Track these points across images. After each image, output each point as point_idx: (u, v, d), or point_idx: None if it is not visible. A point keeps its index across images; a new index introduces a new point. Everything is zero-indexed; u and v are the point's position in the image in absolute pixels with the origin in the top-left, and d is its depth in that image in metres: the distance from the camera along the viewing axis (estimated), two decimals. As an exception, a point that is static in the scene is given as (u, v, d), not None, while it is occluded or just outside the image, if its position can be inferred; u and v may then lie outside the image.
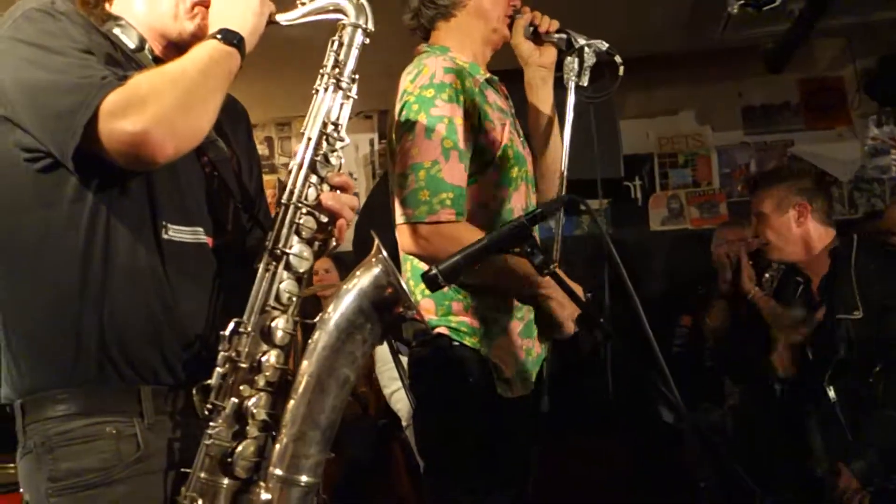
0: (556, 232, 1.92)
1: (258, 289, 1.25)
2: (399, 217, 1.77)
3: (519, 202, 1.89)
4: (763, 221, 2.78)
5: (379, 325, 1.24)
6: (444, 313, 1.82)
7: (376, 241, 1.27)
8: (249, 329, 1.23)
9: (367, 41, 1.40)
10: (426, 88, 1.76)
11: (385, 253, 1.26)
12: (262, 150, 5.43)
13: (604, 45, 1.97)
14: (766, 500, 1.19)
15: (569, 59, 1.94)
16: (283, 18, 1.40)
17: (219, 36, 1.28)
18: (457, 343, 1.81)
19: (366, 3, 1.39)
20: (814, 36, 3.95)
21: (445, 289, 1.72)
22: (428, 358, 1.85)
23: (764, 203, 2.78)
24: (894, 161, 4.60)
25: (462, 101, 1.78)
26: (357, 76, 1.39)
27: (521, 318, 1.87)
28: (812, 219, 2.68)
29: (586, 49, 1.94)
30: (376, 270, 1.25)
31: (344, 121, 1.38)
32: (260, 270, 1.27)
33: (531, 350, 1.90)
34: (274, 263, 1.27)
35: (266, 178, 5.31)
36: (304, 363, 1.23)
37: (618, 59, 1.96)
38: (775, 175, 2.90)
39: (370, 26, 1.38)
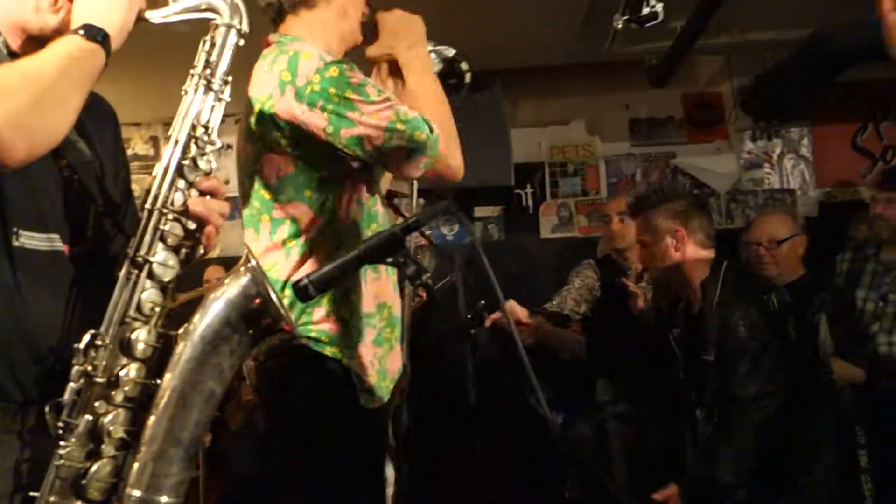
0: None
1: (118, 298, 1.19)
2: (417, 171, 1.69)
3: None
4: (645, 249, 2.73)
5: (248, 337, 1.21)
6: (305, 322, 1.74)
7: (246, 250, 1.24)
8: (107, 341, 1.17)
9: (242, 42, 1.36)
10: (325, 70, 1.65)
11: (255, 262, 1.22)
12: (146, 149, 5.23)
13: (450, 52, 1.96)
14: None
15: None
16: (153, 15, 1.35)
17: (81, 31, 1.21)
18: (314, 354, 1.74)
19: (240, 4, 1.35)
20: (695, 53, 4.12)
21: None
22: (285, 370, 1.77)
23: (642, 232, 2.72)
24: (767, 174, 4.87)
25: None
26: (230, 78, 1.35)
27: (374, 326, 1.82)
28: (691, 242, 2.60)
29: (433, 56, 1.92)
30: (245, 279, 1.21)
31: (215, 124, 1.34)
32: (120, 279, 1.20)
33: (384, 358, 1.84)
34: (136, 272, 1.21)
35: (149, 178, 5.12)
36: (167, 376, 1.18)
37: (464, 65, 1.95)
38: (647, 201, 2.77)
39: (244, 27, 1.34)
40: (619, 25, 3.17)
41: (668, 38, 3.83)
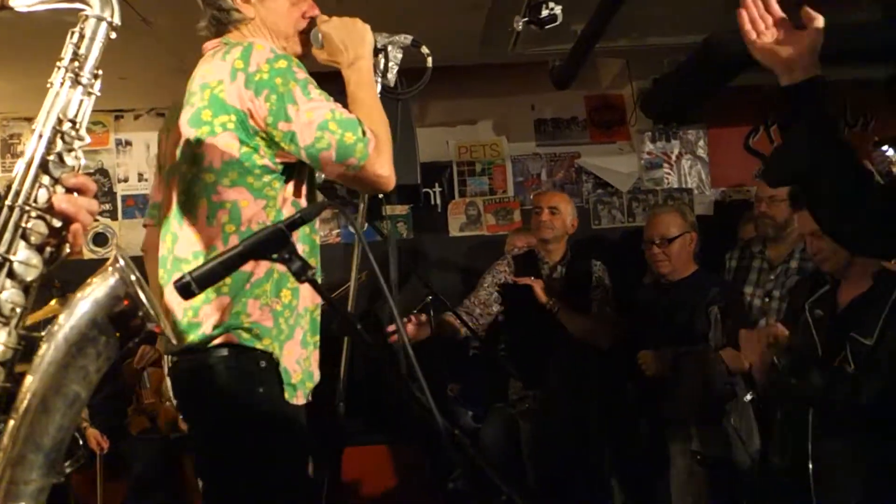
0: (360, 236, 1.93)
1: None
2: (347, 172, 1.71)
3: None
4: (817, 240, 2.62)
5: (115, 339, 1.16)
6: (238, 312, 1.73)
7: (114, 251, 1.19)
8: None
9: (114, 35, 1.31)
10: (275, 62, 1.70)
11: (123, 262, 1.18)
12: None
13: (408, 39, 1.96)
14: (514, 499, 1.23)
15: (375, 59, 1.91)
16: (17, 3, 1.28)
17: None
18: (243, 351, 1.74)
19: None
20: (596, 56, 4.22)
21: (247, 286, 1.73)
22: (205, 370, 1.75)
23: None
24: (667, 174, 5.03)
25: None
26: (100, 72, 1.30)
27: (303, 327, 1.84)
28: None
29: (389, 47, 1.94)
30: (112, 280, 1.16)
31: (84, 118, 1.28)
32: None
33: (308, 360, 1.86)
34: None
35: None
36: (28, 379, 1.12)
37: (424, 49, 1.96)
38: None
39: (116, 20, 1.29)
40: (520, 27, 3.21)
41: (570, 40, 3.91)
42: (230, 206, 1.74)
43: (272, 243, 1.36)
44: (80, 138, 1.26)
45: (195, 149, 1.75)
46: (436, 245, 4.90)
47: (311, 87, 1.71)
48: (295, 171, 1.80)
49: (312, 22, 1.91)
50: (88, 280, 1.18)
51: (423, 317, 3.25)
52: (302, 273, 1.34)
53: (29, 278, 1.17)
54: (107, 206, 4.86)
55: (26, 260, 1.17)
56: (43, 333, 1.15)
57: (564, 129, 5.01)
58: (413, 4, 3.56)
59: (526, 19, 3.18)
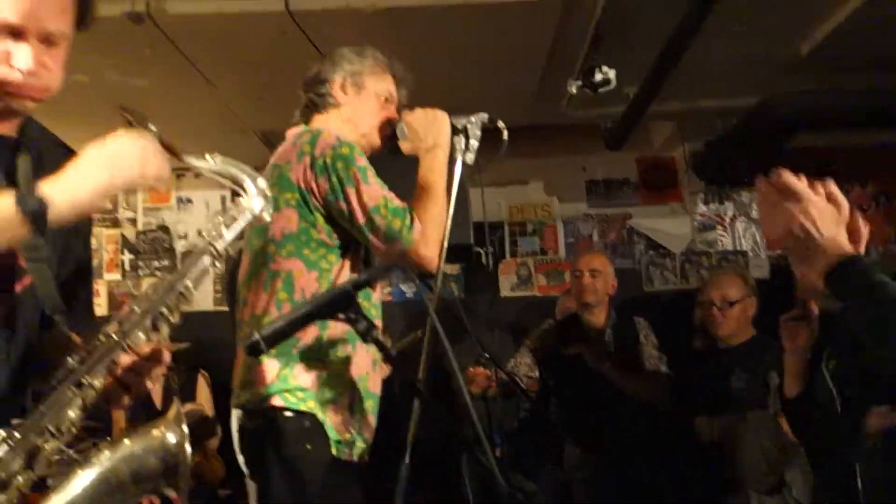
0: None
1: (48, 408, 1.16)
2: (391, 255, 1.88)
3: None
4: None
5: (146, 486, 1.18)
6: (285, 375, 1.84)
7: (176, 405, 1.22)
8: (15, 443, 1.13)
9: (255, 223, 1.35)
10: (339, 148, 1.88)
11: (181, 410, 1.22)
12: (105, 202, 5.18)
13: (485, 116, 2.08)
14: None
15: (455, 138, 2.04)
16: (190, 162, 1.32)
17: (16, 199, 1.11)
18: (290, 413, 1.83)
19: (269, 194, 1.34)
20: (648, 118, 4.25)
21: (294, 351, 1.83)
22: (260, 430, 1.86)
23: None
24: (721, 236, 4.98)
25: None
26: (228, 251, 1.33)
27: (352, 392, 1.92)
28: None
29: (468, 126, 2.06)
30: (170, 437, 1.20)
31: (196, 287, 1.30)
32: (58, 391, 1.17)
33: (360, 424, 1.94)
34: (75, 391, 1.18)
35: (108, 231, 5.08)
36: (51, 499, 1.14)
37: (500, 124, 2.08)
38: None
39: (266, 216, 1.34)
40: (574, 90, 3.27)
41: (622, 103, 3.95)
42: (284, 276, 1.89)
43: (338, 303, 1.40)
44: (187, 303, 1.29)
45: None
46: (486, 305, 4.90)
47: (370, 173, 1.88)
48: (351, 246, 1.94)
49: (392, 122, 2.09)
50: (147, 427, 1.20)
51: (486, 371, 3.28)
52: (367, 333, 1.37)
53: (89, 402, 1.20)
54: (166, 263, 4.99)
55: (97, 386, 1.20)
56: (84, 458, 1.17)
57: (616, 191, 5.01)
58: (467, 66, 3.65)
59: (580, 83, 3.24)
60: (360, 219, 1.85)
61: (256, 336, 1.37)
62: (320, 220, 1.89)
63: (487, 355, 3.33)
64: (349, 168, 1.86)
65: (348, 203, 1.85)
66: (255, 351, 1.37)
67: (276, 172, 1.92)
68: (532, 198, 5.06)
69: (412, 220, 1.84)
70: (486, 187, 4.78)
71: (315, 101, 2.08)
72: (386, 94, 2.11)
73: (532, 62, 3.67)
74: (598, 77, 3.14)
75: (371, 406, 1.98)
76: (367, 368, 1.97)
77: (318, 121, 2.07)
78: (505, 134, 2.09)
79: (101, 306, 4.86)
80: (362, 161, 1.89)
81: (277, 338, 1.37)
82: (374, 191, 1.85)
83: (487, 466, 1.26)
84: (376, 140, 2.10)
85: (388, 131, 2.09)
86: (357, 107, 2.08)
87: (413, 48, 3.31)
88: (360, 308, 1.39)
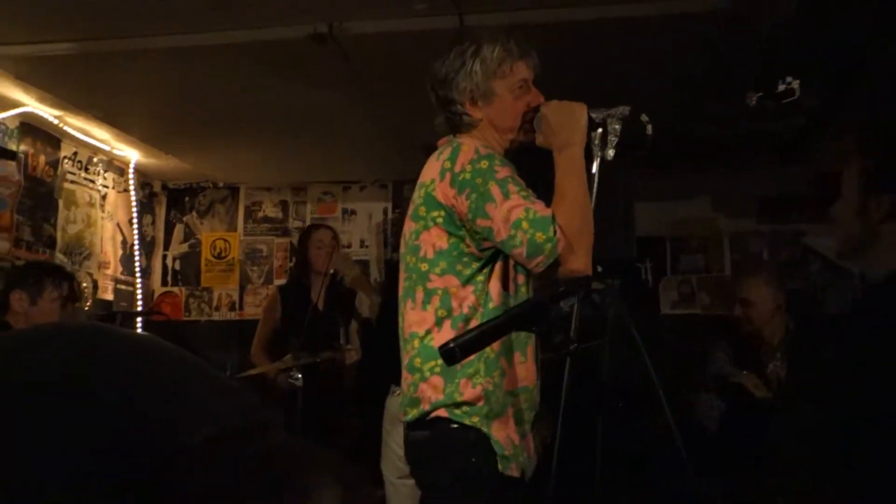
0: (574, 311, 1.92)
1: None
2: (538, 269, 1.79)
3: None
4: None
5: None
6: (451, 391, 1.85)
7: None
8: None
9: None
10: (477, 162, 1.84)
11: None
12: (276, 212, 5.48)
13: (626, 110, 1.95)
14: None
15: (593, 133, 1.94)
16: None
17: None
18: (456, 425, 1.84)
19: None
20: (827, 131, 4.00)
21: (458, 367, 1.79)
22: (427, 441, 1.88)
23: None
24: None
25: (509, 164, 1.89)
26: None
27: (516, 405, 1.91)
28: None
29: (608, 120, 1.95)
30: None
31: None
32: None
33: (523, 437, 1.92)
34: None
35: (278, 240, 5.36)
36: None
37: (644, 117, 1.95)
38: None
39: None
40: (754, 102, 3.12)
41: (800, 115, 3.75)
42: (441, 293, 1.89)
43: (532, 316, 1.39)
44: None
45: (414, 241, 1.94)
46: (644, 322, 4.76)
47: (511, 185, 1.81)
48: (501, 255, 1.89)
49: (537, 109, 1.98)
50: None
51: None
52: (563, 346, 1.36)
53: None
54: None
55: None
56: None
57: (788, 207, 4.75)
58: (637, 78, 3.57)
59: (760, 94, 3.09)
60: (503, 234, 1.78)
61: (452, 344, 1.38)
62: (467, 234, 1.87)
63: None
64: (488, 183, 1.80)
65: (490, 219, 1.79)
66: (449, 359, 1.39)
67: (423, 191, 1.92)
68: (696, 213, 4.89)
69: (555, 231, 1.75)
70: (647, 202, 4.73)
71: (454, 121, 2.02)
72: (518, 83, 1.99)
73: (703, 74, 3.55)
74: (781, 87, 2.97)
75: (533, 418, 1.96)
76: (534, 381, 1.94)
77: (466, 137, 2.01)
78: (649, 128, 1.94)
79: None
80: (503, 172, 1.83)
81: (472, 347, 1.39)
82: (515, 204, 1.78)
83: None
84: (524, 135, 2.01)
85: (532, 114, 1.98)
86: (493, 114, 1.99)
87: (582, 61, 3.29)
88: (554, 321, 1.38)
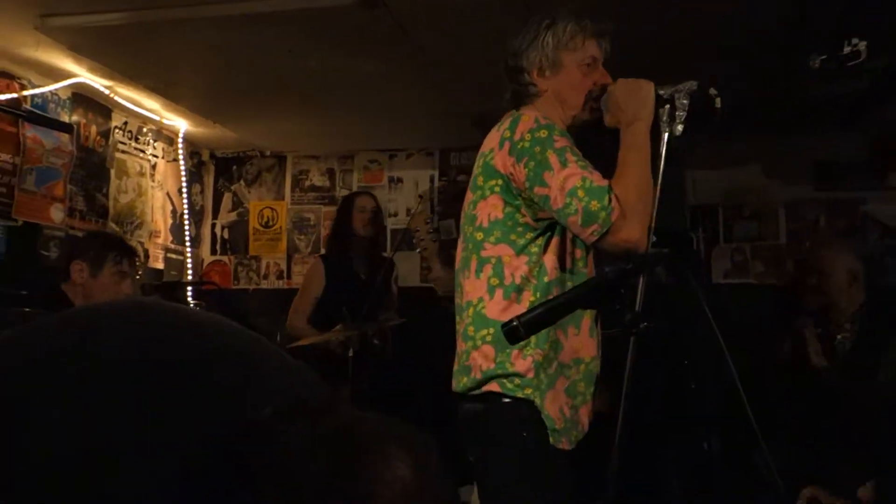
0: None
1: None
2: (592, 237, 1.80)
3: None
4: None
5: None
6: (502, 361, 1.86)
7: None
8: None
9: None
10: (537, 131, 1.85)
11: None
12: (323, 181, 5.48)
13: (693, 85, 1.92)
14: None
15: (660, 109, 1.90)
16: None
17: None
18: (508, 400, 1.85)
19: None
20: (891, 95, 3.85)
21: None
22: (480, 415, 1.90)
23: None
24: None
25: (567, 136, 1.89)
26: None
27: (569, 377, 1.92)
28: None
29: (676, 96, 1.91)
30: None
31: None
32: None
33: (576, 409, 1.93)
34: None
35: (325, 209, 5.37)
36: None
37: (712, 91, 1.91)
38: None
39: None
40: (817, 64, 3.00)
41: (863, 78, 3.60)
42: (494, 262, 1.90)
43: (600, 293, 1.36)
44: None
45: (472, 210, 1.97)
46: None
47: (569, 154, 1.82)
48: (558, 226, 1.89)
49: (604, 88, 1.97)
50: None
51: None
52: (633, 325, 1.33)
53: None
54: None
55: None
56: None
57: (848, 173, 4.60)
58: (697, 45, 3.47)
59: (824, 57, 2.97)
60: (559, 202, 1.79)
61: (516, 321, 1.36)
62: (523, 204, 1.88)
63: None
64: (546, 152, 1.82)
65: (547, 187, 1.81)
66: (513, 337, 1.37)
67: (482, 161, 1.95)
68: (749, 180, 4.77)
69: (611, 200, 1.76)
70: (699, 169, 4.62)
71: (519, 92, 2.03)
72: (587, 60, 2.00)
73: (763, 36, 3.43)
74: (847, 49, 2.85)
75: (593, 391, 1.96)
76: (592, 353, 1.94)
77: (530, 109, 2.01)
78: (717, 102, 1.90)
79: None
80: (561, 142, 1.84)
81: (537, 324, 1.36)
82: (572, 172, 1.79)
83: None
84: (587, 115, 2.01)
85: (599, 93, 1.98)
86: (559, 86, 2.00)
87: (643, 22, 3.20)
88: (623, 298, 1.35)
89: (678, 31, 3.36)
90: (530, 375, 1.84)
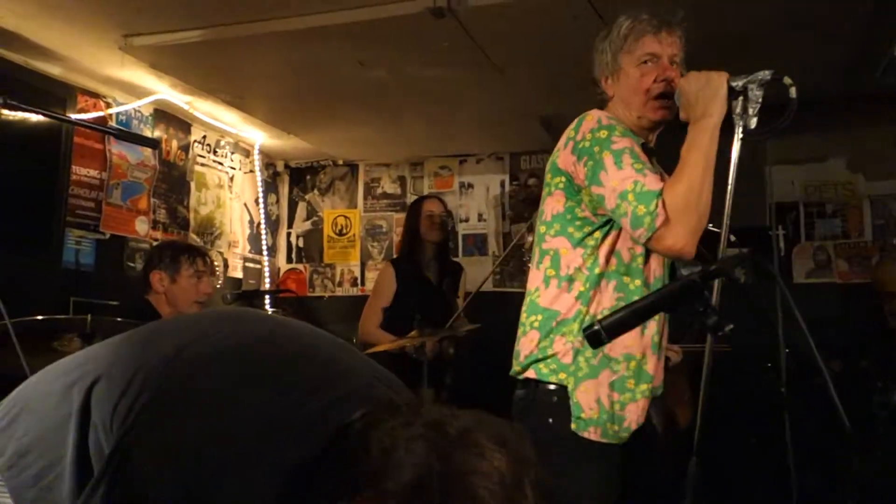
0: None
1: None
2: (640, 241, 1.82)
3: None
4: None
5: None
6: (544, 347, 1.91)
7: None
8: None
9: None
10: (597, 131, 1.88)
11: None
12: (394, 188, 5.53)
13: (767, 75, 1.84)
14: None
15: (734, 102, 1.85)
16: None
17: None
18: (543, 385, 1.91)
19: None
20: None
21: (554, 323, 1.91)
22: (520, 401, 1.96)
23: None
24: None
25: (631, 136, 1.90)
26: None
27: (616, 371, 1.91)
28: None
29: (749, 87, 1.85)
30: None
31: None
32: None
33: (621, 405, 1.91)
34: None
35: (396, 216, 5.42)
36: None
37: (787, 80, 1.83)
38: None
39: None
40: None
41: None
42: (552, 253, 1.96)
43: (686, 295, 1.34)
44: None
45: (542, 206, 2.04)
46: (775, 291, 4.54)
47: (626, 156, 1.82)
48: (616, 223, 1.90)
49: (669, 84, 1.94)
50: None
51: None
52: (717, 328, 1.30)
53: None
54: (450, 245, 5.21)
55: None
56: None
57: (939, 166, 4.40)
58: (773, 39, 3.38)
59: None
60: (611, 203, 1.83)
61: (597, 325, 1.35)
62: (584, 198, 1.92)
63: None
64: (603, 152, 1.84)
65: (602, 187, 1.83)
66: (595, 341, 1.35)
67: (550, 161, 2.01)
68: (831, 175, 4.60)
69: (657, 206, 1.75)
70: (778, 165, 4.47)
71: (600, 101, 2.08)
72: (644, 57, 1.98)
73: (848, 26, 3.31)
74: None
75: (645, 389, 1.93)
76: (644, 350, 1.93)
77: (596, 110, 2.03)
78: (793, 91, 1.82)
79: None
80: (621, 143, 1.84)
81: (620, 327, 1.35)
82: (626, 175, 1.80)
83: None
84: (655, 113, 1.97)
85: (664, 90, 1.94)
86: (620, 91, 2.02)
87: (716, 14, 3.13)
88: (709, 300, 1.32)
89: (751, 21, 3.28)
90: (566, 360, 1.89)
